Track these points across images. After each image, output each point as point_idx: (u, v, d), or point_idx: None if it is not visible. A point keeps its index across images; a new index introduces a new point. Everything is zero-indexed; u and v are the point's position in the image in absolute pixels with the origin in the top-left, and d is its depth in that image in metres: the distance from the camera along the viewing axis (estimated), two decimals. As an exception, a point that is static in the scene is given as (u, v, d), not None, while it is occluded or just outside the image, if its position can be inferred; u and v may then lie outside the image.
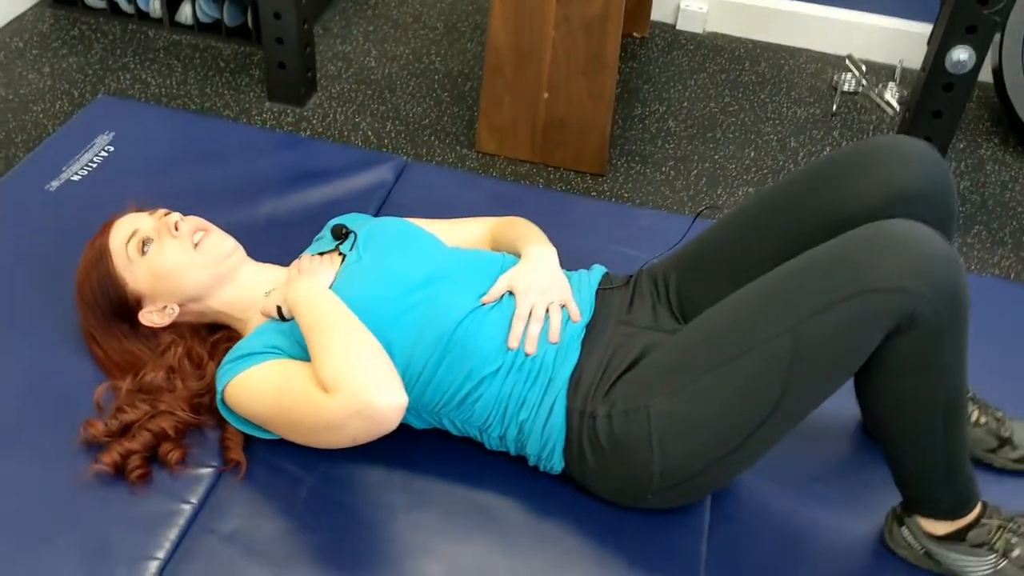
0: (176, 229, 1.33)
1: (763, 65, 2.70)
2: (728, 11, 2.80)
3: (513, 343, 1.24)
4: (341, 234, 1.40)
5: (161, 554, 1.19)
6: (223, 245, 1.35)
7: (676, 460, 1.16)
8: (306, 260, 1.37)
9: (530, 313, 1.27)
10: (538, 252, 1.37)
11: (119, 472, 1.26)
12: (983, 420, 1.37)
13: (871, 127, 2.48)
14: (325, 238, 1.45)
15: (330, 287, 1.28)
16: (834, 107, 2.54)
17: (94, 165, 1.82)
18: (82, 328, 1.39)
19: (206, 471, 1.29)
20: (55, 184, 1.77)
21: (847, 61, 2.71)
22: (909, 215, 1.17)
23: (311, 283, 1.27)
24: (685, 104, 2.53)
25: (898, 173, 1.20)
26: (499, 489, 1.29)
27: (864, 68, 2.68)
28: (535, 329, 1.26)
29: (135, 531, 1.21)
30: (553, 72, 2.08)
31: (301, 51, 2.28)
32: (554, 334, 1.26)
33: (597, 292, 1.35)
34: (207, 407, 1.32)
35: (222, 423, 1.31)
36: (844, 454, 1.41)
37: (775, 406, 1.11)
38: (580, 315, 1.30)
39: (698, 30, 2.83)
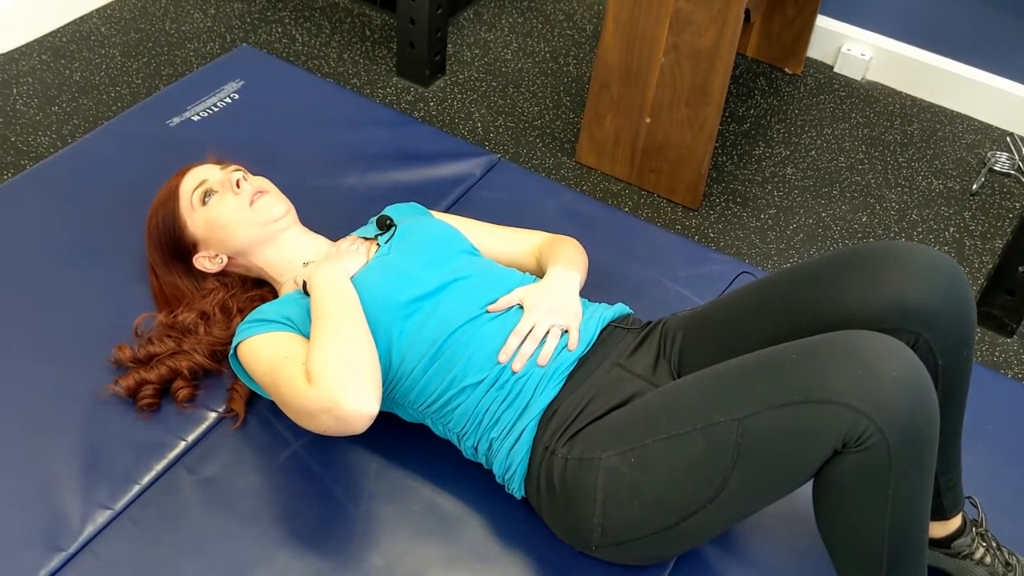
0: (237, 186, 1.41)
1: (915, 126, 2.52)
2: (894, 62, 2.63)
3: (503, 357, 1.25)
4: (384, 224, 1.45)
5: (143, 480, 1.29)
6: (274, 208, 1.41)
7: (614, 520, 1.14)
8: (346, 242, 1.43)
9: (530, 332, 1.27)
10: (560, 274, 1.36)
11: (132, 397, 1.37)
12: (987, 560, 1.26)
13: (1010, 215, 2.28)
14: (372, 224, 1.51)
15: (356, 275, 1.32)
16: (975, 185, 2.34)
17: (216, 109, 1.96)
18: (147, 258, 1.52)
19: (208, 414, 1.38)
20: (176, 120, 1.91)
21: (1008, 139, 2.50)
22: (910, 333, 1.09)
23: (334, 269, 1.30)
24: (812, 152, 2.41)
25: (897, 284, 1.11)
26: (464, 500, 1.31)
27: (1025, 150, 2.46)
28: (528, 348, 1.26)
29: (128, 453, 1.32)
30: (658, 97, 2.04)
31: (431, 34, 2.34)
32: (544, 358, 1.25)
33: (607, 327, 1.33)
34: (225, 356, 1.41)
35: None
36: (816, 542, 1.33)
37: (716, 493, 1.07)
38: (577, 345, 1.28)
39: (857, 77, 2.67)
